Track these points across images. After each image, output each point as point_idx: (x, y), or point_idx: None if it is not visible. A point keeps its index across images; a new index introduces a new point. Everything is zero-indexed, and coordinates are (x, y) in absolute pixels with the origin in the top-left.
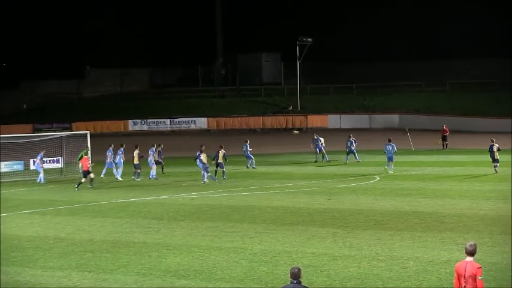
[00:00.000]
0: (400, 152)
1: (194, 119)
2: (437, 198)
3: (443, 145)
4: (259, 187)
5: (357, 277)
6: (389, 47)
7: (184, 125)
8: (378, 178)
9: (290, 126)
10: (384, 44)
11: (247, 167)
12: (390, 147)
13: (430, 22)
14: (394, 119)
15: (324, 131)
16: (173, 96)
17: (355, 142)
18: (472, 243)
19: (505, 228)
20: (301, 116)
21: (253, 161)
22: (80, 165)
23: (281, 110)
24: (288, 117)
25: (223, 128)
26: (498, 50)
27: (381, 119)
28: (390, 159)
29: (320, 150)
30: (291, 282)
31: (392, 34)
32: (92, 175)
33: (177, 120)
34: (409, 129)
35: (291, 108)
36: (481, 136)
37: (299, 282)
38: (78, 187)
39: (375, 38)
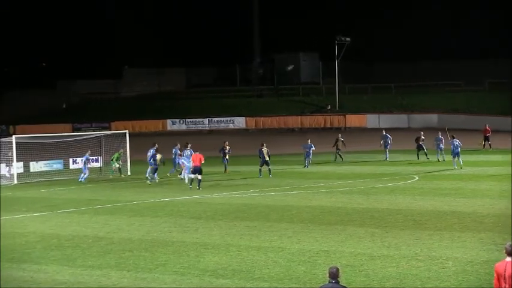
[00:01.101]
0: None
1: (232, 118)
2: (476, 198)
3: (484, 145)
4: (297, 186)
5: (395, 277)
6: (426, 46)
7: (223, 125)
8: (417, 178)
9: (328, 125)
10: (422, 43)
11: (306, 166)
12: (457, 143)
13: (466, 21)
14: (432, 118)
15: (362, 131)
16: (210, 95)
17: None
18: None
19: None
20: (340, 115)
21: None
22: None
23: (319, 110)
24: (327, 116)
25: (261, 127)
26: None
27: (419, 119)
28: (457, 154)
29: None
30: (329, 282)
31: (430, 33)
32: (199, 176)
33: (215, 119)
34: (448, 129)
35: (329, 107)
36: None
37: (337, 282)
38: (199, 186)
39: (412, 37)
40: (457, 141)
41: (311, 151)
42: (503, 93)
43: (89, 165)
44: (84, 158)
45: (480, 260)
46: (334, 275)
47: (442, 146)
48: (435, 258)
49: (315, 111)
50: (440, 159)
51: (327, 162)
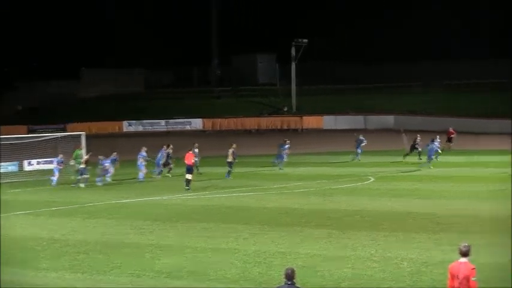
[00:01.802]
0: (395, 152)
1: (189, 120)
2: (432, 199)
3: (450, 147)
4: (254, 188)
5: (350, 278)
6: (383, 47)
7: (180, 126)
8: (372, 179)
9: (285, 127)
10: (378, 45)
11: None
12: (437, 143)
13: (427, 22)
14: (389, 120)
15: (319, 132)
16: (168, 97)
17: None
18: (466, 244)
19: (499, 228)
20: (297, 117)
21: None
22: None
23: (276, 111)
24: (284, 118)
25: (218, 129)
26: (494, 50)
27: (376, 120)
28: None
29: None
30: (285, 283)
31: (387, 35)
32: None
33: (173, 121)
34: (404, 130)
35: (286, 109)
36: (476, 137)
37: (293, 283)
38: (189, 186)
39: (368, 39)
40: (437, 142)
41: (285, 152)
42: (460, 95)
43: (60, 168)
44: (55, 161)
45: (435, 260)
46: (290, 276)
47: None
48: (390, 259)
49: (272, 112)
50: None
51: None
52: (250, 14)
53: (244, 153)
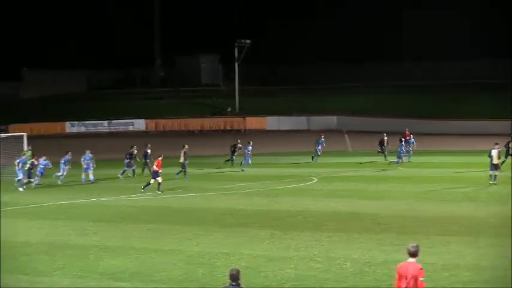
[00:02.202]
0: (337, 153)
1: (132, 120)
2: (374, 200)
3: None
4: (199, 189)
5: (294, 278)
6: (327, 48)
7: (123, 127)
8: (316, 180)
9: (228, 128)
10: (320, 46)
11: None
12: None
13: (369, 23)
14: (332, 120)
15: (262, 133)
16: (111, 97)
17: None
18: (415, 244)
19: (441, 229)
20: (240, 117)
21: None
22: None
23: (220, 112)
24: (227, 119)
25: (161, 129)
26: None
27: (319, 121)
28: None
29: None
30: (229, 284)
31: (330, 35)
32: (159, 179)
33: (115, 122)
34: (347, 131)
35: (229, 110)
36: (420, 138)
37: (238, 284)
38: (144, 189)
39: (311, 40)
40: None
41: (249, 152)
42: (403, 95)
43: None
44: (17, 161)
45: (377, 260)
46: (234, 277)
47: (411, 149)
48: (333, 259)
49: (216, 113)
50: (411, 159)
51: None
52: (193, 15)
53: (188, 154)
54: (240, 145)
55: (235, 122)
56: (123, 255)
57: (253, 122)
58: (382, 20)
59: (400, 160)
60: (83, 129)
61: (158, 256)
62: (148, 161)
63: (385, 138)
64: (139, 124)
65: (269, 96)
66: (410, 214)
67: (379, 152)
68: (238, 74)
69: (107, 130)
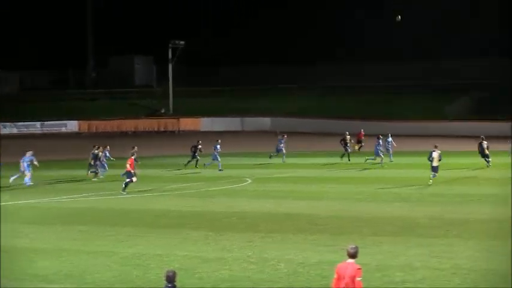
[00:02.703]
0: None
1: (65, 122)
2: (309, 200)
3: (359, 148)
4: (132, 190)
5: (228, 279)
6: (261, 49)
7: (55, 128)
8: (250, 181)
9: (162, 129)
10: (256, 47)
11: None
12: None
13: (304, 25)
14: (265, 121)
15: (196, 134)
16: (44, 99)
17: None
18: (354, 245)
19: (375, 229)
20: (174, 118)
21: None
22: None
23: (154, 113)
24: (161, 120)
25: (94, 131)
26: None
27: (253, 122)
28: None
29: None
30: (165, 286)
31: (264, 37)
32: (134, 179)
33: (48, 123)
34: (280, 132)
35: (163, 111)
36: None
37: (174, 286)
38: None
39: (245, 41)
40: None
41: (217, 153)
42: (336, 97)
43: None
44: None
45: (312, 261)
46: (170, 278)
47: (391, 149)
48: (267, 260)
49: (150, 114)
50: (392, 159)
51: (159, 165)
52: (127, 16)
53: (121, 155)
54: (200, 146)
55: (169, 123)
56: (55, 257)
57: (187, 123)
58: (315, 22)
59: (378, 158)
60: (15, 130)
61: (91, 258)
62: (98, 162)
63: (348, 137)
64: (72, 125)
65: (203, 97)
66: (345, 215)
67: (344, 154)
68: (172, 75)
69: (40, 131)
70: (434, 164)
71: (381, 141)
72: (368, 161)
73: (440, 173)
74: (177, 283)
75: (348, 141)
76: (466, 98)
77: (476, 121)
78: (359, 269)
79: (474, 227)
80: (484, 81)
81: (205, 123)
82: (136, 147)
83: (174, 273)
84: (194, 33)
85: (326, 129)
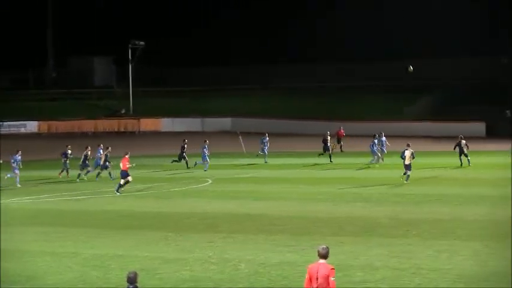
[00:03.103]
0: (232, 155)
1: (24, 122)
2: (269, 201)
3: (341, 147)
4: (91, 191)
5: (189, 280)
6: (221, 50)
7: (14, 129)
8: (210, 181)
9: (122, 129)
10: (216, 47)
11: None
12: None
13: (264, 25)
14: (226, 122)
15: (156, 135)
16: (3, 99)
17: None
18: (325, 246)
19: (335, 229)
20: (134, 119)
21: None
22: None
23: (114, 114)
24: (121, 120)
25: (54, 131)
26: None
27: (214, 122)
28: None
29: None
30: (127, 287)
31: (223, 37)
32: (130, 178)
33: (7, 123)
34: (240, 133)
35: (123, 111)
36: (311, 139)
37: (135, 287)
38: (122, 189)
39: (206, 41)
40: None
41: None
42: (297, 97)
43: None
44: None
45: (272, 261)
46: (132, 279)
47: (385, 149)
48: (228, 260)
49: (110, 115)
50: (381, 161)
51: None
52: (87, 16)
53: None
54: (186, 145)
55: (130, 124)
56: (16, 259)
57: (147, 124)
58: (278, 22)
59: (377, 158)
60: None
61: (53, 259)
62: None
63: (328, 137)
64: (32, 126)
65: (163, 97)
66: (305, 215)
67: (323, 153)
68: (132, 75)
69: None
70: (407, 162)
71: (376, 140)
72: (372, 162)
73: (399, 173)
74: (139, 284)
75: (328, 140)
76: (427, 98)
77: (435, 121)
78: (332, 269)
79: (433, 227)
80: (446, 81)
81: (165, 124)
82: (110, 148)
83: (136, 274)
84: (155, 34)
85: (287, 129)
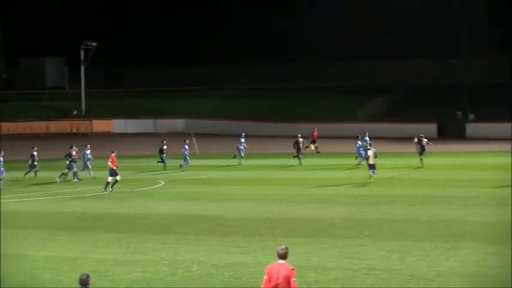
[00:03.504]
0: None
1: None
2: (222, 202)
3: (316, 148)
4: (44, 192)
5: (142, 281)
6: (175, 51)
7: None
8: (163, 183)
9: (75, 131)
10: (168, 48)
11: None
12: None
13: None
14: (179, 123)
15: (109, 136)
16: None
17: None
18: (284, 247)
19: (287, 230)
20: (86, 120)
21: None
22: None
23: (66, 115)
24: (73, 121)
25: (6, 133)
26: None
27: (166, 124)
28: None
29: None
30: None
31: (176, 38)
32: (118, 177)
33: None
34: (194, 134)
35: (75, 112)
36: (264, 140)
37: None
38: (111, 188)
39: (158, 42)
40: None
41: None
42: (250, 98)
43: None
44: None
45: (225, 263)
46: (84, 282)
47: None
48: (181, 262)
49: (62, 116)
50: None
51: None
52: (39, 16)
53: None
54: (165, 146)
55: (82, 125)
56: None
57: (99, 125)
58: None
59: (361, 159)
60: None
61: (3, 261)
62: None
63: (300, 139)
64: None
65: (116, 98)
66: (257, 216)
67: (295, 155)
68: (85, 76)
69: None
70: (371, 161)
71: (359, 141)
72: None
73: (354, 173)
74: (91, 286)
75: (300, 143)
76: (379, 99)
77: (388, 122)
78: (293, 269)
79: (386, 228)
80: (398, 83)
81: (118, 125)
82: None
83: (88, 276)
84: (107, 34)
85: (240, 130)
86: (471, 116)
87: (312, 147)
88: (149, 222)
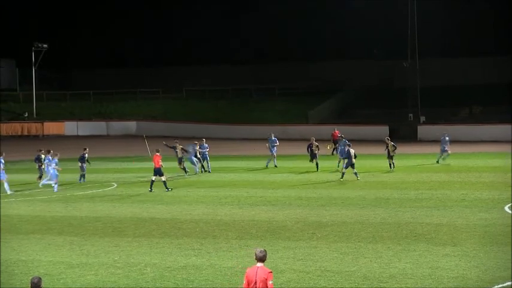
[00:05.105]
0: (137, 159)
1: None
2: (174, 205)
3: (334, 150)
4: None
5: (94, 284)
6: (125, 53)
7: None
8: (115, 185)
9: (26, 133)
10: (120, 50)
11: (203, 169)
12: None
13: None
14: (131, 126)
15: (60, 138)
16: None
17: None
18: (262, 249)
19: (240, 232)
20: (37, 123)
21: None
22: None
23: (17, 117)
24: (24, 124)
25: None
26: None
27: (118, 126)
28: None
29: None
30: None
31: (128, 40)
32: (163, 177)
33: None
34: (146, 136)
35: (26, 115)
36: (215, 142)
37: None
38: (167, 188)
39: (109, 44)
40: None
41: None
42: (201, 101)
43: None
44: None
45: (178, 265)
46: (35, 285)
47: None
48: (134, 264)
49: (12, 118)
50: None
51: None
52: None
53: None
54: (87, 154)
55: (33, 128)
56: None
57: (51, 128)
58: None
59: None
60: None
61: None
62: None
63: (314, 142)
64: None
65: (67, 101)
66: (210, 218)
67: (311, 160)
68: (36, 78)
69: None
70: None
71: (341, 143)
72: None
73: (305, 176)
74: None
75: (314, 147)
76: (331, 101)
77: (340, 125)
78: (270, 272)
79: (339, 230)
80: (349, 84)
81: (69, 128)
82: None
83: (40, 280)
84: (58, 36)
85: (191, 133)
86: (422, 119)
87: (329, 147)
88: (101, 225)
